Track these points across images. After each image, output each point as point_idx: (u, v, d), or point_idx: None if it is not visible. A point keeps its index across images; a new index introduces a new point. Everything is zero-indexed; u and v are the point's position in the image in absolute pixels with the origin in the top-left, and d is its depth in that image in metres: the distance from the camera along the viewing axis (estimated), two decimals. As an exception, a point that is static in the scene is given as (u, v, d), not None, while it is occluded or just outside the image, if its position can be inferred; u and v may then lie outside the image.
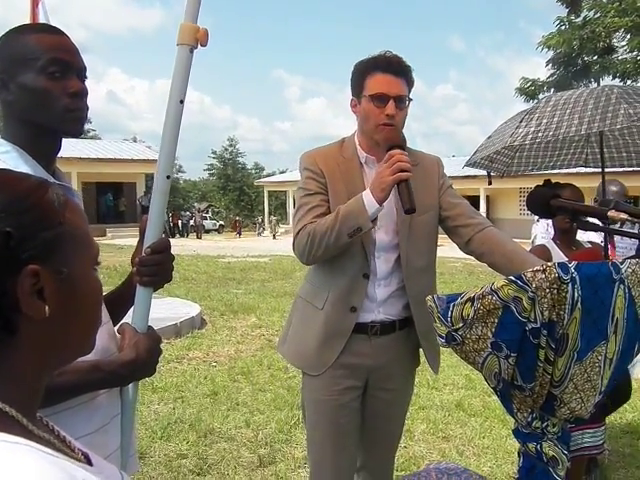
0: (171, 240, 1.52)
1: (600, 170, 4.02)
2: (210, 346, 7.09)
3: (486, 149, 3.82)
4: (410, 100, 2.24)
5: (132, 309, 1.46)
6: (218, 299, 10.47)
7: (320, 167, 2.24)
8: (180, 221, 37.11)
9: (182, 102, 1.41)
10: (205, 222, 39.64)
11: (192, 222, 37.52)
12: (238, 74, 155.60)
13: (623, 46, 18.42)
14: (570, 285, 1.66)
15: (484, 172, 4.20)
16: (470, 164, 4.05)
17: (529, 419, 1.87)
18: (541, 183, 2.15)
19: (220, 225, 43.55)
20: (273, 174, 56.45)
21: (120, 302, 1.52)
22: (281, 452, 4.05)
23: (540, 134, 3.33)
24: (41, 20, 4.15)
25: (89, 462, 0.82)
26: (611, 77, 18.40)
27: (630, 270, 1.82)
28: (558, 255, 3.00)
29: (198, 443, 4.23)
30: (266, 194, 44.15)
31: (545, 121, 3.36)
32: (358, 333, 2.26)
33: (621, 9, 17.31)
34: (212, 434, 4.39)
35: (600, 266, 1.81)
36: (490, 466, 3.88)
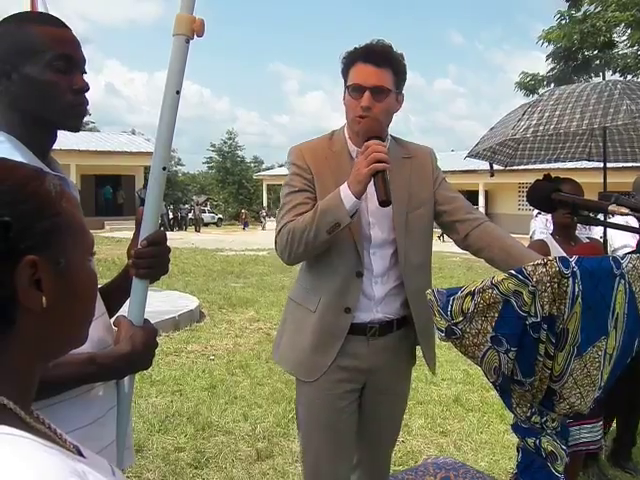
0: (170, 233, 1.51)
1: (601, 165, 4.02)
2: (208, 339, 7.09)
3: (488, 140, 3.81)
4: (398, 92, 2.15)
5: (128, 301, 1.45)
6: (217, 292, 10.48)
7: (307, 162, 2.16)
8: (179, 214, 37.07)
9: (178, 93, 1.40)
10: (204, 215, 39.59)
11: (191, 215, 37.48)
12: (237, 67, 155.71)
13: (624, 41, 18.41)
14: (571, 279, 1.66)
15: (484, 167, 4.20)
16: (472, 155, 4.04)
17: (528, 414, 1.87)
18: (541, 178, 2.14)
19: (219, 218, 43.51)
20: (272, 167, 56.39)
21: (116, 294, 1.51)
22: (279, 446, 4.04)
23: (541, 127, 3.32)
24: (41, 11, 4.12)
25: (80, 455, 0.82)
26: (611, 72, 18.40)
27: (631, 265, 1.81)
28: (557, 250, 2.99)
29: (196, 436, 4.22)
30: (265, 187, 44.14)
31: (547, 115, 3.35)
32: (355, 334, 2.17)
33: (622, 3, 17.27)
34: (210, 427, 4.39)
35: (601, 261, 1.80)
36: (488, 461, 3.88)
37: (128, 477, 3.43)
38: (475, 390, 5.30)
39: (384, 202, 1.93)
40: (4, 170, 0.78)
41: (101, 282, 0.93)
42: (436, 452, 3.99)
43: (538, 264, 1.65)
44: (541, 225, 5.48)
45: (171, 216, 34.97)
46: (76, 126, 1.38)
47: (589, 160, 4.45)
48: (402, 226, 2.17)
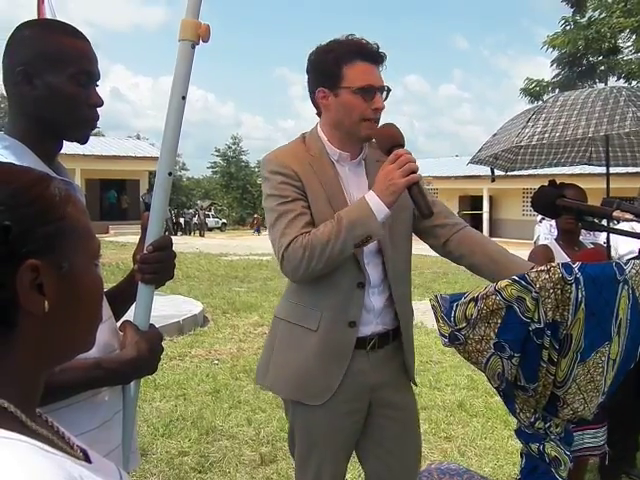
0: (174, 238, 1.52)
1: (604, 171, 4.02)
2: (212, 344, 7.10)
3: (491, 147, 3.81)
4: (389, 90, 2.05)
5: (134, 306, 1.45)
6: (220, 297, 10.48)
7: (294, 169, 1.99)
8: (183, 219, 37.07)
9: (184, 98, 1.41)
10: (208, 220, 39.60)
11: (195, 220, 37.48)
12: (242, 72, 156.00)
13: (629, 47, 18.38)
14: (574, 285, 1.66)
15: (488, 172, 4.20)
16: (475, 161, 4.05)
17: (532, 419, 1.87)
18: (545, 183, 2.15)
19: (223, 223, 43.52)
20: (276, 173, 56.06)
21: (121, 299, 1.52)
22: (282, 450, 4.04)
23: (547, 135, 3.32)
24: (48, 17, 4.15)
25: (87, 459, 0.82)
26: (616, 78, 18.37)
27: (634, 271, 1.81)
28: (560, 255, 2.99)
29: (200, 441, 4.23)
30: (269, 192, 43.93)
31: (552, 122, 3.34)
32: (356, 349, 2.05)
33: (626, 9, 17.26)
34: (214, 432, 4.39)
35: (604, 267, 1.81)
36: (492, 467, 3.87)
37: (132, 481, 3.43)
38: (479, 396, 5.28)
39: (429, 214, 1.87)
40: (10, 173, 0.79)
41: (105, 286, 0.93)
42: (440, 457, 3.99)
43: (541, 270, 1.66)
44: (545, 231, 5.49)
45: (174, 220, 35.01)
46: (85, 138, 1.41)
47: (589, 164, 4.45)
48: (386, 234, 2.03)
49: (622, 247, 3.66)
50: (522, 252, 2.72)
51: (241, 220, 50.33)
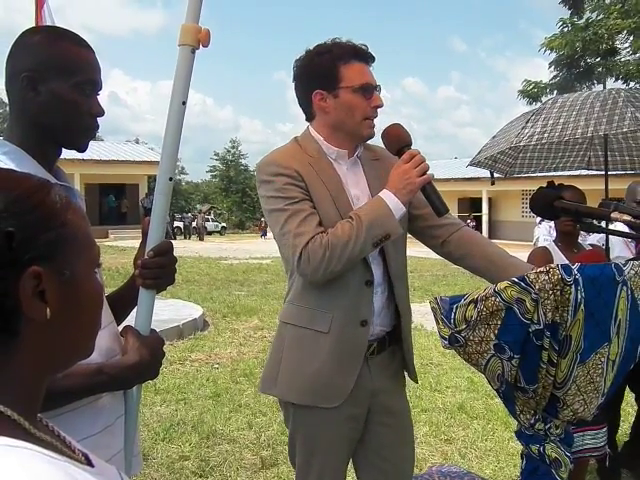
0: (173, 242, 1.52)
1: (603, 173, 4.03)
2: (212, 348, 7.10)
3: (491, 149, 3.83)
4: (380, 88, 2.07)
5: (135, 311, 1.46)
6: (220, 301, 10.48)
7: (296, 169, 1.97)
8: (183, 223, 37.07)
9: (184, 103, 1.41)
10: (207, 224, 39.60)
11: (194, 224, 37.48)
12: (240, 76, 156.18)
13: (626, 48, 18.46)
14: (573, 287, 1.66)
15: (487, 174, 4.21)
16: (474, 163, 4.06)
17: (532, 421, 1.87)
18: (544, 185, 2.15)
19: (222, 227, 43.51)
20: (275, 176, 56.01)
21: (122, 303, 1.52)
22: (283, 454, 4.03)
23: (546, 135, 3.34)
24: (47, 22, 4.17)
25: (89, 464, 0.82)
26: (614, 79, 18.43)
27: (633, 272, 1.82)
28: (559, 257, 2.99)
29: (200, 445, 4.22)
30: (268, 196, 43.88)
31: (551, 122, 3.36)
32: None
33: (624, 11, 17.32)
34: (214, 436, 4.39)
35: (603, 268, 1.81)
36: (492, 469, 3.87)
37: (133, 486, 3.43)
38: (479, 398, 5.28)
39: (444, 211, 1.90)
40: (10, 180, 0.78)
41: (106, 291, 0.93)
42: (441, 460, 3.99)
43: (541, 272, 1.66)
44: (544, 232, 5.48)
45: (175, 225, 35.03)
46: (84, 147, 1.42)
47: (588, 169, 4.47)
48: None
49: (616, 250, 3.66)
50: (522, 254, 2.72)
51: (240, 224, 50.31)
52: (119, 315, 1.52)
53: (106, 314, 1.34)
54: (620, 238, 3.37)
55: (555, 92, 17.97)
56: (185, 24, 1.41)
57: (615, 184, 4.48)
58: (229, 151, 57.74)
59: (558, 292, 1.66)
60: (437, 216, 1.93)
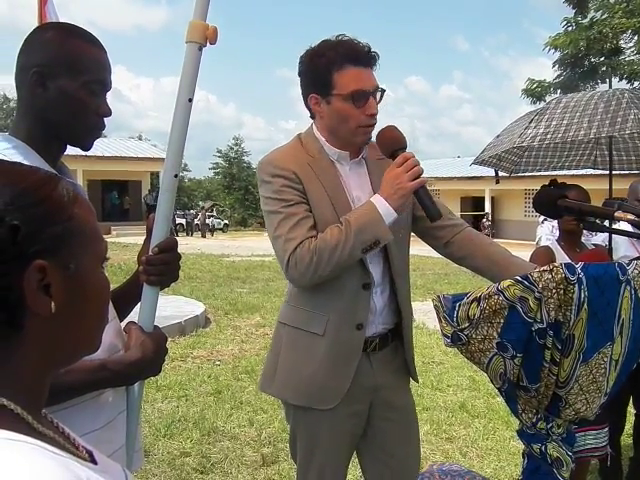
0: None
1: (607, 172, 4.02)
2: (214, 345, 7.10)
3: (494, 148, 3.82)
4: (384, 91, 2.00)
5: (138, 308, 1.46)
6: (222, 298, 10.49)
7: (294, 171, 1.94)
8: (185, 220, 37.07)
9: (191, 100, 1.41)
10: (210, 221, 39.59)
11: (197, 221, 37.49)
12: (243, 73, 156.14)
13: (630, 47, 18.42)
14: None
15: (490, 173, 4.21)
16: (478, 162, 4.06)
17: (534, 420, 1.87)
18: (547, 184, 2.15)
19: (225, 224, 43.50)
20: (278, 174, 55.95)
21: (125, 300, 1.52)
22: (284, 451, 4.04)
23: (549, 136, 3.33)
24: (51, 18, 4.16)
25: (93, 460, 0.82)
26: (618, 78, 18.39)
27: (637, 271, 1.82)
28: (562, 257, 2.99)
29: (201, 441, 4.23)
30: (271, 193, 43.83)
31: (554, 123, 3.36)
32: None
33: (628, 10, 17.29)
34: (215, 433, 4.40)
35: (607, 267, 1.81)
36: (493, 467, 3.87)
37: (134, 481, 3.43)
38: (481, 396, 5.28)
39: (437, 216, 1.87)
40: (17, 174, 0.78)
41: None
42: (442, 458, 3.99)
43: (544, 270, 1.66)
44: (547, 231, 5.47)
45: (178, 221, 35.03)
46: (89, 146, 1.42)
47: (594, 169, 4.46)
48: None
49: (621, 250, 3.65)
50: (524, 253, 2.72)
51: (243, 221, 50.27)
52: (122, 311, 1.52)
53: (109, 310, 1.34)
54: (625, 237, 3.36)
55: (559, 91, 17.96)
56: (193, 21, 1.40)
57: (620, 184, 4.47)
58: (232, 148, 57.69)
59: (561, 291, 1.66)
60: (430, 222, 1.90)
